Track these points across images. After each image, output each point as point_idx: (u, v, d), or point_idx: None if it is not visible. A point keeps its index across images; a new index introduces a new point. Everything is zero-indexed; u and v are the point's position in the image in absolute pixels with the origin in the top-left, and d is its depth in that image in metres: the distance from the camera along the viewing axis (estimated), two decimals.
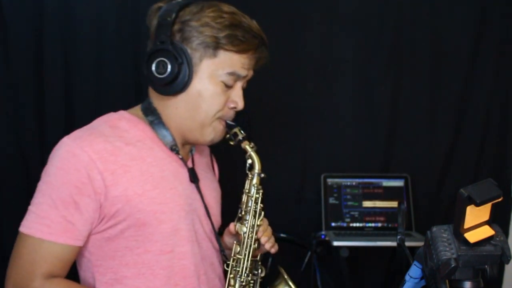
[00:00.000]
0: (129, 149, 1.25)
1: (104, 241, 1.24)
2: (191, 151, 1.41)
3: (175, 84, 1.26)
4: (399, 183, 2.44)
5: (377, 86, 2.47)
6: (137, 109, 1.36)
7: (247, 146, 1.35)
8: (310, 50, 2.42)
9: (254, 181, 1.36)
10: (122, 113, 1.35)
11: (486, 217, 0.92)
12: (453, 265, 0.90)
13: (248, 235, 1.34)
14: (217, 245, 1.40)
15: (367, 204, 2.40)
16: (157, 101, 1.32)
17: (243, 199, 1.37)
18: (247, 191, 1.37)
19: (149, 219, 1.23)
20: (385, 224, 2.39)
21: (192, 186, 1.35)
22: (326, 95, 2.46)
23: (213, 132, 1.32)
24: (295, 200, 2.45)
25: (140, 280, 1.25)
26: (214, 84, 1.27)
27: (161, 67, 1.25)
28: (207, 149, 1.54)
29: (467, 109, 2.49)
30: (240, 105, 1.32)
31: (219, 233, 1.45)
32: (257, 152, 1.36)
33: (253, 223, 1.35)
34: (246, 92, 2.41)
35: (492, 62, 2.47)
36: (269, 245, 1.38)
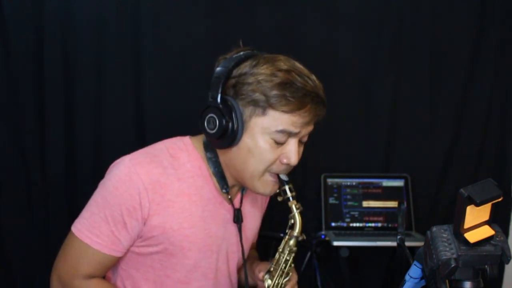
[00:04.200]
0: (179, 185, 1.32)
1: (134, 254, 1.35)
2: (242, 190, 1.45)
3: (225, 139, 1.29)
4: (399, 183, 2.44)
5: (377, 86, 2.46)
6: (201, 140, 1.39)
7: (293, 206, 1.37)
8: (310, 50, 2.42)
9: (291, 242, 1.39)
10: (187, 142, 1.39)
11: (486, 217, 0.92)
12: (453, 265, 0.90)
13: None
14: (235, 283, 1.48)
15: (367, 204, 2.40)
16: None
17: (275, 257, 1.40)
18: (280, 250, 1.40)
19: (176, 252, 1.33)
20: (385, 224, 2.39)
21: (233, 226, 1.41)
22: (326, 95, 2.45)
23: (262, 187, 1.34)
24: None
25: None
26: (263, 141, 1.29)
27: (211, 122, 1.30)
28: None
29: (467, 109, 2.49)
30: (293, 161, 1.32)
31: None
32: (301, 214, 1.37)
33: (279, 282, 1.39)
34: None
35: (492, 62, 2.47)
36: None
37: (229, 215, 1.40)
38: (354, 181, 2.42)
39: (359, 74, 2.46)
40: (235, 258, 1.45)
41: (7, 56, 2.18)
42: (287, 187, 1.36)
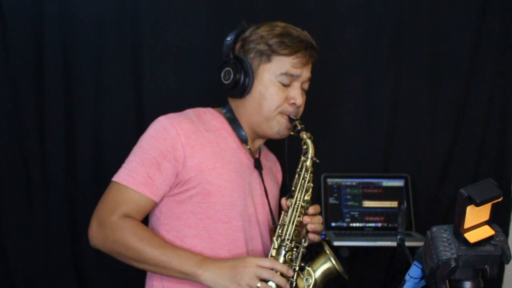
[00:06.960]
0: (208, 134, 1.57)
1: (175, 203, 1.52)
2: (259, 148, 1.70)
3: (239, 88, 1.58)
4: (399, 183, 2.44)
5: (377, 86, 2.46)
6: (220, 108, 1.69)
7: (304, 135, 1.59)
8: None
9: (307, 163, 1.59)
10: (208, 108, 1.68)
11: (486, 217, 0.93)
12: (453, 265, 0.90)
13: (294, 206, 1.55)
14: (263, 230, 1.63)
15: (367, 204, 2.40)
16: (232, 102, 1.66)
17: (295, 178, 1.60)
18: (299, 170, 1.60)
19: (214, 190, 1.51)
20: (385, 224, 2.39)
21: (256, 173, 1.63)
22: (326, 95, 2.46)
23: (277, 125, 1.60)
24: None
25: (198, 240, 1.52)
26: (272, 84, 1.57)
27: (227, 75, 1.59)
28: (273, 157, 1.84)
29: (467, 109, 2.49)
30: (299, 101, 1.59)
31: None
32: (312, 141, 1.60)
33: (301, 197, 1.56)
34: None
35: (492, 62, 2.47)
36: (312, 226, 1.54)
37: (251, 164, 1.63)
38: (354, 181, 2.42)
39: (359, 73, 2.46)
40: (262, 209, 1.63)
41: (7, 56, 2.17)
42: (297, 122, 1.59)
